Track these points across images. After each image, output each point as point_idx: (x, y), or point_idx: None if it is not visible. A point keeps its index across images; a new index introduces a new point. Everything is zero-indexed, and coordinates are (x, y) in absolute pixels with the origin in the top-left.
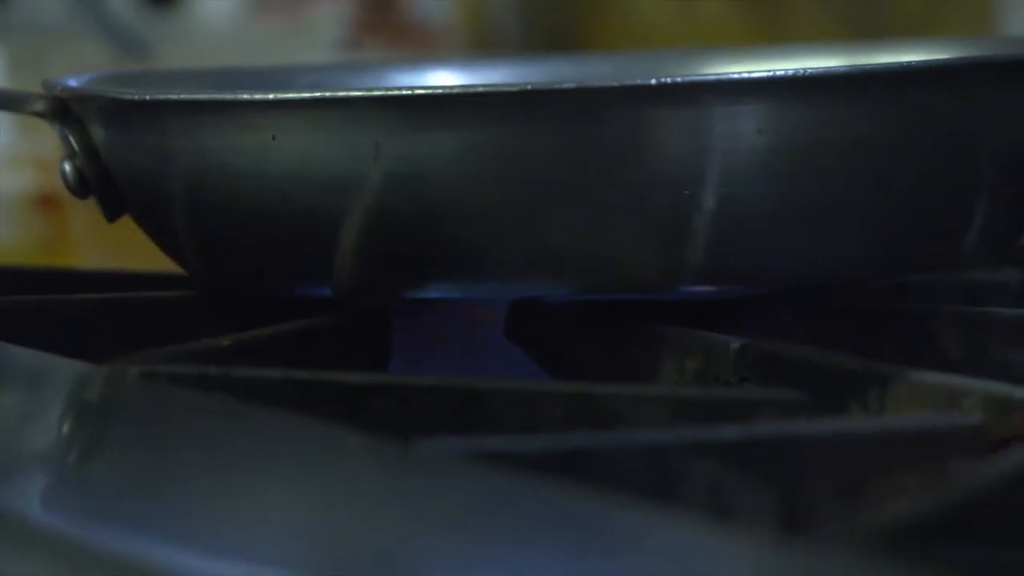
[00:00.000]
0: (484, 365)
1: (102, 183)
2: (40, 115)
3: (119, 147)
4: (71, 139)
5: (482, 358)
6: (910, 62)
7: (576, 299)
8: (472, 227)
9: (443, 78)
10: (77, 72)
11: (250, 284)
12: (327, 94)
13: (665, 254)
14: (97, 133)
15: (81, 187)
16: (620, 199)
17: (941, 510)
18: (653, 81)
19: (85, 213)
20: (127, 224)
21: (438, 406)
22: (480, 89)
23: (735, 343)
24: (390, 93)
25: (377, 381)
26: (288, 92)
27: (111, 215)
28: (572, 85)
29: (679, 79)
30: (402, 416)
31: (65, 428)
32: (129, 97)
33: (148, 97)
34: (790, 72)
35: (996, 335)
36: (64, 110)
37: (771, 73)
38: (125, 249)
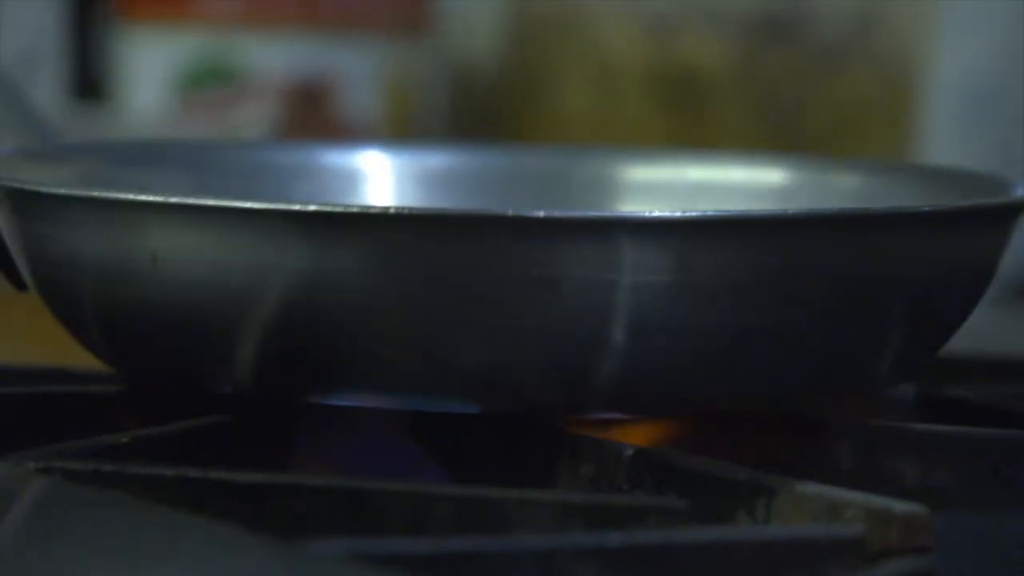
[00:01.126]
0: (387, 466)
1: (4, 260)
2: None
3: (10, 230)
4: None
5: (386, 459)
6: (797, 212)
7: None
8: (370, 342)
9: (372, 158)
10: None
11: (151, 378)
12: (213, 203)
13: (569, 381)
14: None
15: None
16: (518, 325)
17: None
18: (541, 213)
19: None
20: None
21: (330, 507)
22: (375, 211)
23: (628, 451)
24: (286, 208)
25: (269, 480)
26: (178, 193)
27: (19, 287)
28: (467, 212)
29: (578, 214)
30: (294, 516)
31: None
32: (7, 185)
33: (26, 187)
34: (680, 216)
35: (886, 448)
36: None
37: (665, 216)
38: (48, 345)
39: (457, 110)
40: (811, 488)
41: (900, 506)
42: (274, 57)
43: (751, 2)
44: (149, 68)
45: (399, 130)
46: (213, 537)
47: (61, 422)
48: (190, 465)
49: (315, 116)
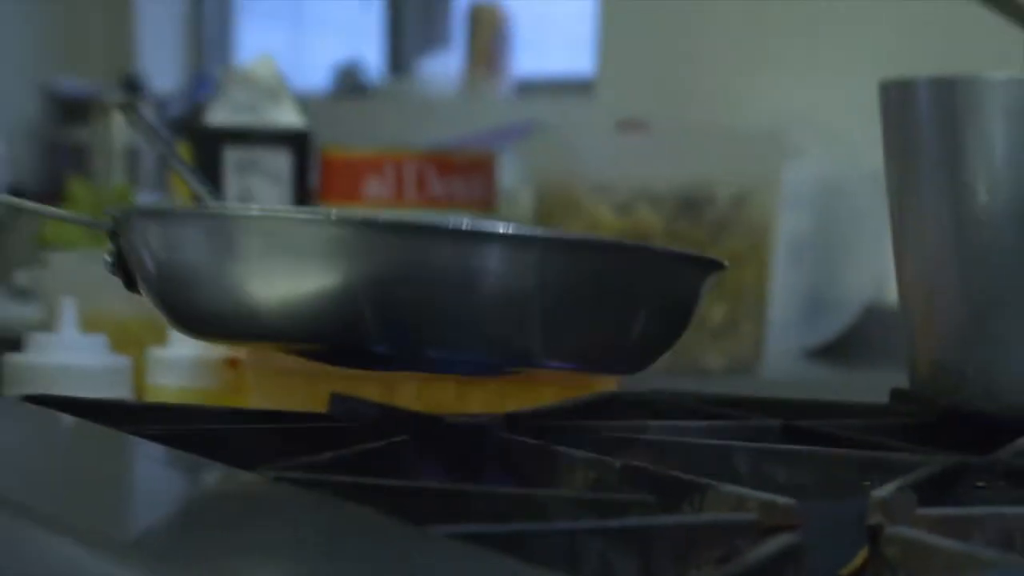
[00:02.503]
0: (478, 476)
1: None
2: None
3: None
4: (112, 243)
5: (477, 471)
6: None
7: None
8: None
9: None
10: None
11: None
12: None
13: None
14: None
15: (114, 271)
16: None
17: (730, 571)
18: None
19: (256, 370)
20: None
21: (446, 502)
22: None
23: (617, 463)
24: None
25: (409, 485)
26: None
27: (131, 289)
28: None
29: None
30: (426, 508)
31: (222, 507)
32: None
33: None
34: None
35: (766, 461)
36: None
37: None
38: (276, 396)
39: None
40: (726, 488)
41: (782, 500)
42: None
43: (673, 189)
44: None
45: None
46: (374, 524)
47: (289, 446)
48: (365, 475)
49: None
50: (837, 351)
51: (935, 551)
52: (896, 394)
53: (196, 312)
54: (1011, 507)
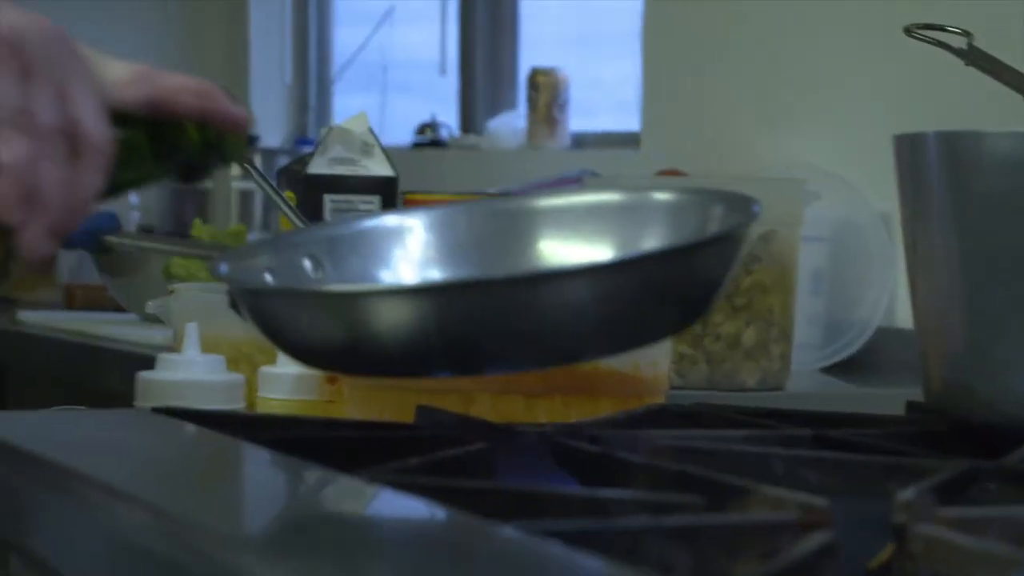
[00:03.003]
0: (546, 478)
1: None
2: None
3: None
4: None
5: (545, 474)
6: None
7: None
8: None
9: None
10: None
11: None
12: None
13: None
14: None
15: (231, 306)
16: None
17: (774, 569)
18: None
19: (351, 384)
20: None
21: (519, 501)
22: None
23: (669, 468)
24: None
25: (482, 486)
26: None
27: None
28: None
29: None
30: (502, 506)
31: (324, 506)
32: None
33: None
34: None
35: (802, 466)
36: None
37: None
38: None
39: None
40: (768, 490)
41: (818, 501)
42: None
43: None
44: None
45: None
46: (457, 521)
47: (381, 452)
48: (448, 477)
49: None
50: (852, 368)
51: (956, 547)
52: (912, 406)
53: (292, 351)
54: (1021, 507)
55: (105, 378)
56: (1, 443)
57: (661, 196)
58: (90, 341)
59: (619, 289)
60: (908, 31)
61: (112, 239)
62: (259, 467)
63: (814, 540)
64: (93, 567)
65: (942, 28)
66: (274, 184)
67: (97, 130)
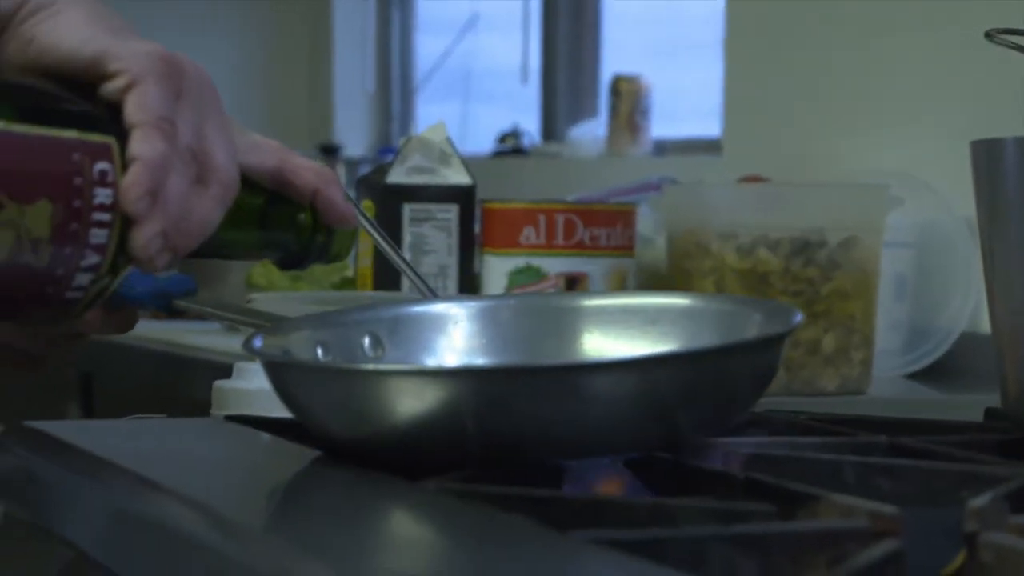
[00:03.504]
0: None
1: None
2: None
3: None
4: None
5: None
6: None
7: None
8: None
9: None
10: None
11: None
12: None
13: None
14: None
15: None
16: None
17: (843, 573)
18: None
19: None
20: None
21: (584, 510)
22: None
23: (740, 475)
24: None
25: (548, 495)
26: None
27: None
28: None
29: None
30: (567, 515)
31: (397, 512)
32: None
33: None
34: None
35: (876, 474)
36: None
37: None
38: None
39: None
40: (838, 497)
41: (888, 508)
42: (556, 264)
43: (790, 234)
44: (497, 272)
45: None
46: (524, 529)
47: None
48: (516, 485)
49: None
50: (936, 374)
51: None
52: (990, 413)
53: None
54: None
55: (188, 386)
56: (72, 450)
57: (704, 303)
58: (174, 350)
59: (654, 384)
60: (989, 35)
61: (182, 303)
62: (330, 477)
63: (881, 548)
64: (159, 574)
65: None
66: (352, 195)
67: (225, 166)
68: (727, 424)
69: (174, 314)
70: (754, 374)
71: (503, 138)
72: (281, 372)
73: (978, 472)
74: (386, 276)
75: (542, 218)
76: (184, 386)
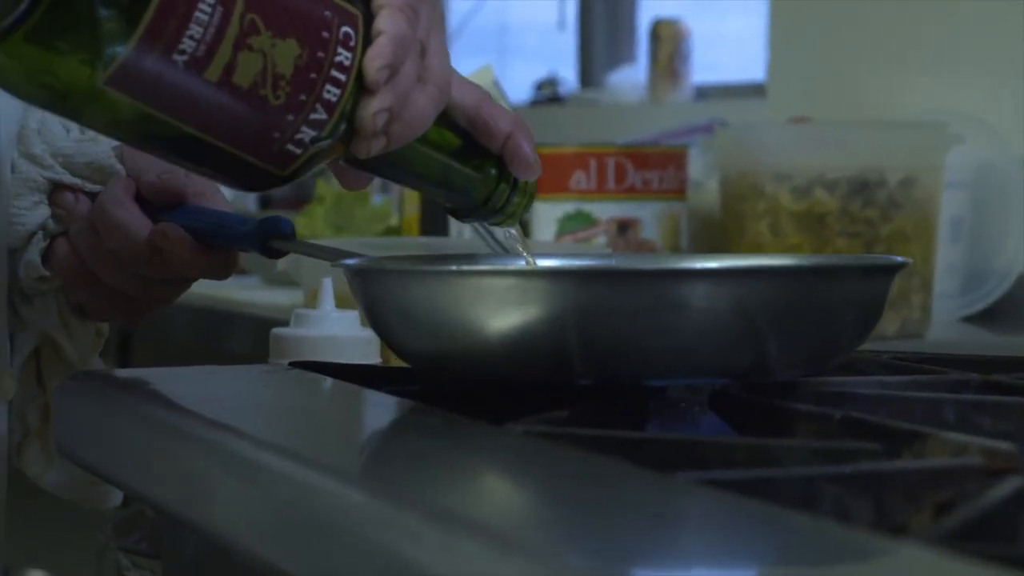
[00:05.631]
0: (706, 428)
1: None
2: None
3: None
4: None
5: (704, 424)
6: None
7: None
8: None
9: None
10: None
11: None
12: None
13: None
14: None
15: None
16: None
17: (967, 512)
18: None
19: None
20: None
21: (683, 452)
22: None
23: (837, 414)
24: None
25: (641, 436)
26: None
27: None
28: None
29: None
30: (663, 457)
31: (491, 456)
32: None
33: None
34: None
35: (975, 412)
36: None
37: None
38: None
39: (697, 237)
40: (947, 435)
41: (1002, 445)
42: (607, 210)
43: (847, 174)
44: (547, 218)
45: (670, 246)
46: (623, 472)
47: (534, 404)
48: (602, 427)
49: (627, 239)
50: (992, 317)
51: None
52: None
53: (409, 353)
54: None
55: (227, 341)
56: (141, 396)
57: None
58: (214, 304)
59: (750, 298)
60: None
61: (279, 243)
62: (408, 420)
63: (1008, 485)
64: (230, 517)
65: None
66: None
67: (443, 71)
68: (829, 363)
69: (272, 254)
70: (859, 306)
71: (540, 86)
72: (381, 280)
73: None
74: (433, 224)
75: (593, 162)
76: (224, 341)
